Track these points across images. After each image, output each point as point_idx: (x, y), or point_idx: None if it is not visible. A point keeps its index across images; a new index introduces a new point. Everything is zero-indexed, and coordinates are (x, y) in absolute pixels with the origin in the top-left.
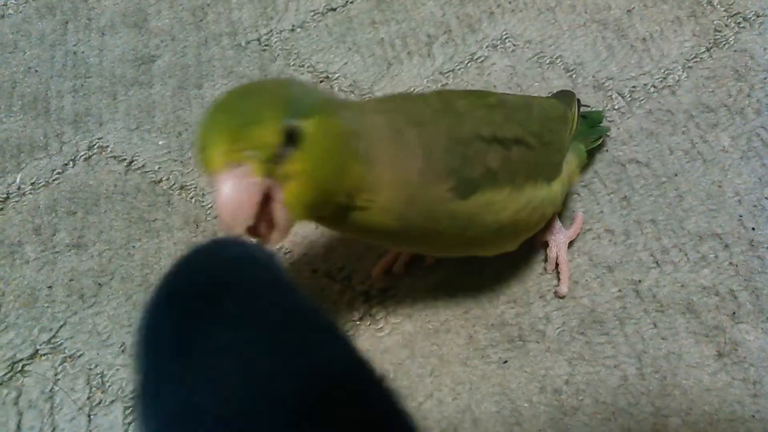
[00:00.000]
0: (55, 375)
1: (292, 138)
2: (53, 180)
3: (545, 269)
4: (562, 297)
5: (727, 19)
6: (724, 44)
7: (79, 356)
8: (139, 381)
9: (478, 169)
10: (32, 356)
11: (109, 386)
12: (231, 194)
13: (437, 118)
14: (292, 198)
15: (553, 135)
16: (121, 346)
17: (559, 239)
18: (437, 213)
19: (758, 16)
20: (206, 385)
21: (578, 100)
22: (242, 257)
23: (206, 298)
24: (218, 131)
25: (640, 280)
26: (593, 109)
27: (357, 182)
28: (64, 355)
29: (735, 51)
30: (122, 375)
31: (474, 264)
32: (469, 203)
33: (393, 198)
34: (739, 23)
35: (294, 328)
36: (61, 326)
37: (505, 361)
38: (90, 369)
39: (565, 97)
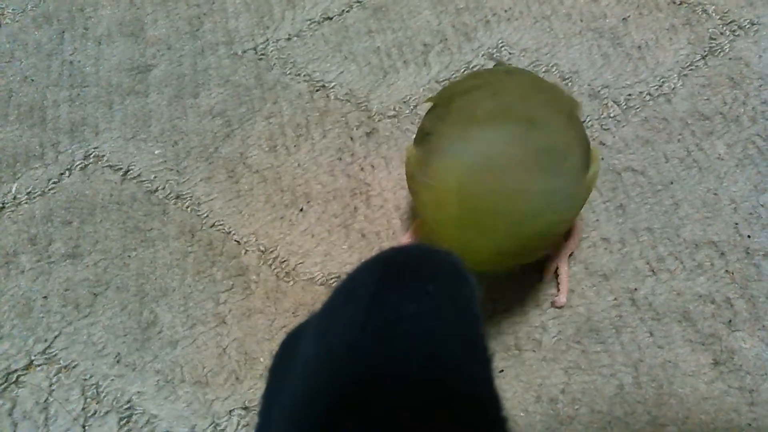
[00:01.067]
0: (50, 386)
1: None
2: (49, 189)
3: (542, 277)
4: (561, 307)
5: (722, 27)
6: (719, 52)
7: (74, 367)
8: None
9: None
10: (27, 367)
11: (104, 397)
12: None
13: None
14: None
15: None
16: (116, 356)
17: (560, 250)
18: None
19: (753, 24)
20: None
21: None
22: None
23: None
24: (493, 262)
25: (636, 289)
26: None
27: None
28: (59, 365)
29: (730, 59)
30: (117, 385)
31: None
32: (589, 176)
33: None
34: (734, 31)
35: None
36: (56, 337)
37: (501, 371)
38: (85, 379)
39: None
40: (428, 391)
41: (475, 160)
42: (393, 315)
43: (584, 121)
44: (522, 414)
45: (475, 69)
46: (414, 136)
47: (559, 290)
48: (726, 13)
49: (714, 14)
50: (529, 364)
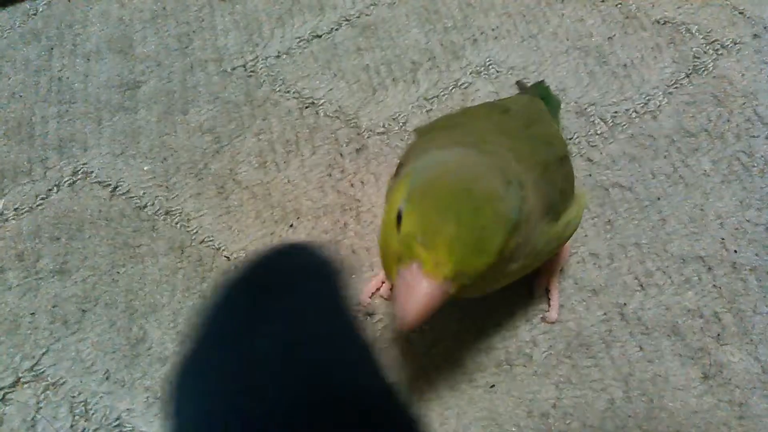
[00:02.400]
0: (38, 403)
1: None
2: (37, 205)
3: (532, 294)
4: (552, 323)
5: (706, 46)
6: (703, 70)
7: (62, 384)
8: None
9: (557, 190)
10: (14, 384)
11: (93, 414)
12: (426, 306)
13: (522, 145)
14: (457, 294)
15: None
16: (104, 373)
17: (550, 266)
18: (537, 244)
19: (735, 44)
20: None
21: (520, 83)
22: (310, 264)
23: (272, 292)
24: (448, 250)
25: (625, 303)
26: (539, 84)
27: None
28: (47, 382)
29: (714, 77)
30: (106, 402)
31: None
32: (559, 225)
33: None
34: (717, 50)
35: (336, 342)
36: (43, 353)
37: (492, 386)
38: (73, 397)
39: (530, 90)
40: None
41: (426, 166)
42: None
43: (571, 138)
44: (514, 429)
45: (462, 86)
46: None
47: (549, 306)
48: (709, 32)
49: (697, 33)
50: (520, 379)
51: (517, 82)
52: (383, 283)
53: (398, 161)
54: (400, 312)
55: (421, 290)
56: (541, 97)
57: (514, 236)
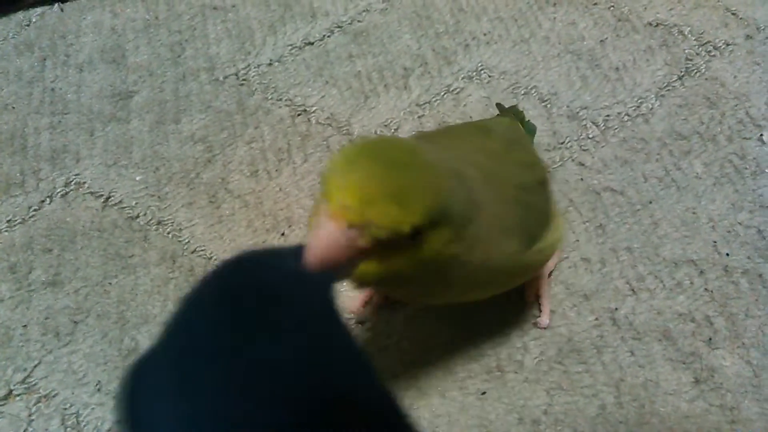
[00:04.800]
0: (29, 416)
1: (415, 234)
2: (30, 217)
3: (524, 298)
4: (544, 329)
5: (698, 47)
6: (696, 72)
7: (53, 396)
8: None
9: (534, 216)
10: (6, 397)
11: (85, 426)
12: (328, 249)
13: (500, 167)
14: (366, 275)
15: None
16: (96, 384)
17: (540, 271)
18: (502, 266)
19: (728, 45)
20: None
21: (499, 105)
22: (297, 273)
23: (255, 306)
24: (358, 189)
25: (616, 308)
26: (513, 108)
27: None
28: (39, 395)
29: (706, 79)
30: (98, 414)
31: None
32: (531, 252)
33: (475, 260)
34: (710, 52)
35: (331, 353)
36: (35, 366)
37: (484, 393)
38: (65, 409)
39: (508, 113)
40: None
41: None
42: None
43: (563, 142)
44: None
45: (454, 92)
46: None
47: (540, 311)
48: (701, 34)
49: (690, 35)
50: (511, 385)
51: (497, 105)
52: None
53: None
54: (306, 254)
55: (323, 232)
56: (519, 120)
57: (454, 236)
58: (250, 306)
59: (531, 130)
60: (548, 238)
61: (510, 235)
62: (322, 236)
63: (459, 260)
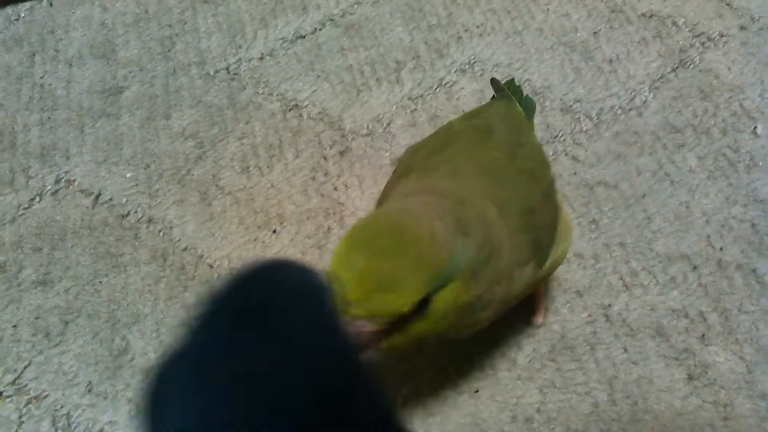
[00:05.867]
0: (20, 417)
1: (421, 304)
2: (19, 215)
3: None
4: (539, 326)
5: (692, 39)
6: (690, 64)
7: (44, 397)
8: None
9: (544, 237)
10: None
11: (75, 427)
12: (358, 342)
13: (508, 191)
14: (394, 348)
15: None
16: (87, 385)
17: None
18: (521, 290)
19: (722, 36)
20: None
21: (494, 81)
22: (298, 284)
23: (255, 314)
24: (353, 285)
25: (609, 305)
26: (510, 83)
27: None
28: (29, 396)
29: (700, 71)
30: (89, 415)
31: None
32: (544, 269)
33: (497, 294)
34: (704, 43)
35: (329, 363)
36: (26, 366)
37: (477, 391)
38: (55, 410)
39: (504, 95)
40: None
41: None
42: None
43: (556, 136)
44: None
45: (447, 85)
46: (386, 154)
47: (535, 309)
48: (695, 25)
49: (684, 26)
50: (504, 383)
51: (492, 80)
52: None
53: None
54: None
55: (351, 329)
56: (516, 97)
57: (465, 287)
58: (252, 316)
59: (530, 106)
60: (557, 250)
61: (525, 262)
62: (352, 333)
63: (481, 300)
